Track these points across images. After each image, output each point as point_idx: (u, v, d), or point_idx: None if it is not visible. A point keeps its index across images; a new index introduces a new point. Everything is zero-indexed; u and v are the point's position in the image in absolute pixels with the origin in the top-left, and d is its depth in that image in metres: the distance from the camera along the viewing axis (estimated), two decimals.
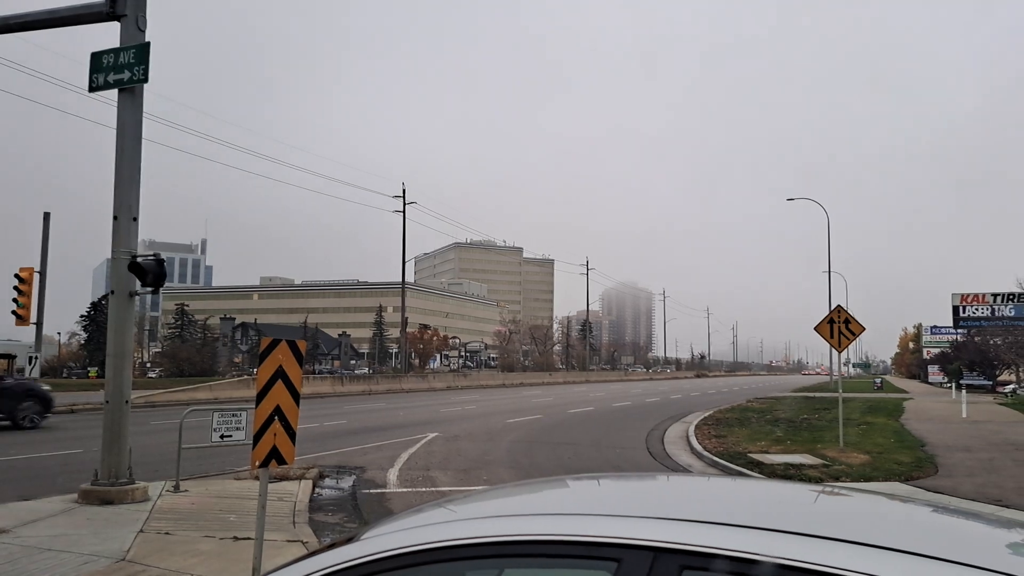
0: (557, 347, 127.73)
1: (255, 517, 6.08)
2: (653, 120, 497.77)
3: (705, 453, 15.63)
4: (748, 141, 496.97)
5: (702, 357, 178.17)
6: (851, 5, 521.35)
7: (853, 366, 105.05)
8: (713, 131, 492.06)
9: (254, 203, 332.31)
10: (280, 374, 5.76)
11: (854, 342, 17.64)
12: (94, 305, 75.95)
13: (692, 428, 20.60)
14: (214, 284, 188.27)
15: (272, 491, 8.17)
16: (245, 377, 41.04)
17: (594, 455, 15.88)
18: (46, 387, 21.34)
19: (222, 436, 9.97)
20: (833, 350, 17.27)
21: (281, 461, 5.85)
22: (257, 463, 5.77)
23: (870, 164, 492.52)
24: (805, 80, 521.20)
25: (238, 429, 10.01)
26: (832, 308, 17.55)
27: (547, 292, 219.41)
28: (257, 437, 5.75)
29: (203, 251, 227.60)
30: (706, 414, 26.15)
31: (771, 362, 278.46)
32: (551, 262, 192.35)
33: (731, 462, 14.09)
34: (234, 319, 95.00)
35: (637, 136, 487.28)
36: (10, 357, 22.24)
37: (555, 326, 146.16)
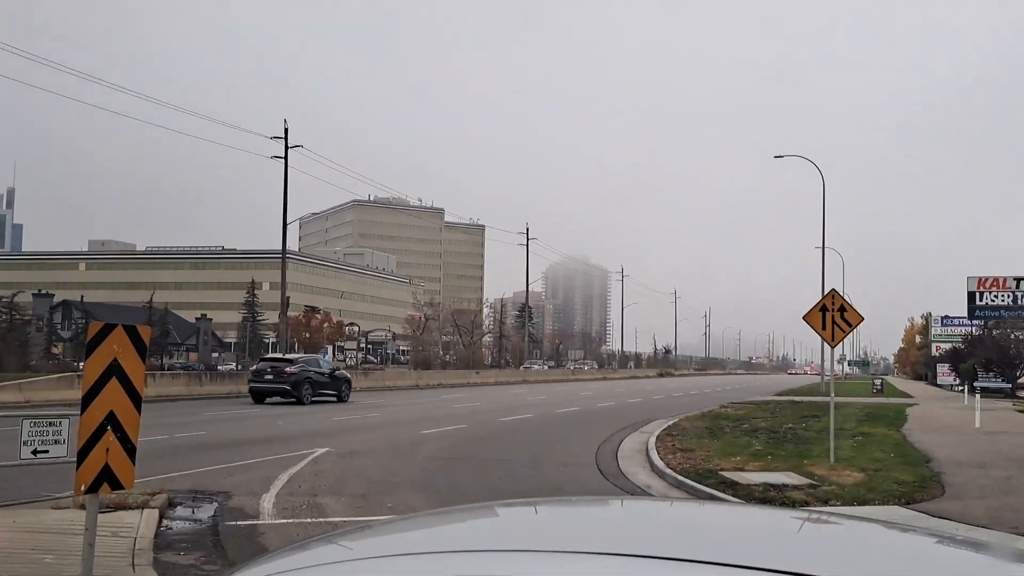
0: (488, 338, 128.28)
1: (81, 558, 5.95)
2: (611, 64, 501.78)
3: (668, 471, 16.00)
4: (725, 92, 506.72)
5: (667, 352, 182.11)
6: None
7: (849, 364, 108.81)
8: (683, 78, 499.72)
9: (82, 145, 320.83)
10: (115, 370, 5.63)
11: (851, 335, 18.31)
12: None
13: (653, 440, 21.07)
14: (25, 249, 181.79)
15: (104, 523, 7.97)
16: (68, 373, 39.86)
17: (532, 475, 16.06)
18: None
19: (35, 452, 9.65)
20: (825, 344, 17.87)
21: (116, 485, 5.73)
22: (83, 487, 5.64)
23: (875, 129, 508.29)
24: (791, 25, 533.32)
25: (57, 442, 9.70)
26: (825, 293, 18.13)
27: (476, 267, 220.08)
28: (83, 453, 5.62)
29: (9, 204, 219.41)
30: (670, 422, 26.77)
31: (751, 358, 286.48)
32: (481, 229, 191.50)
33: (699, 482, 14.48)
34: (52, 296, 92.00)
35: (591, 83, 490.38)
36: None
37: (486, 311, 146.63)
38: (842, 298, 17.63)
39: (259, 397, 36.63)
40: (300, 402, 34.90)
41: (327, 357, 62.40)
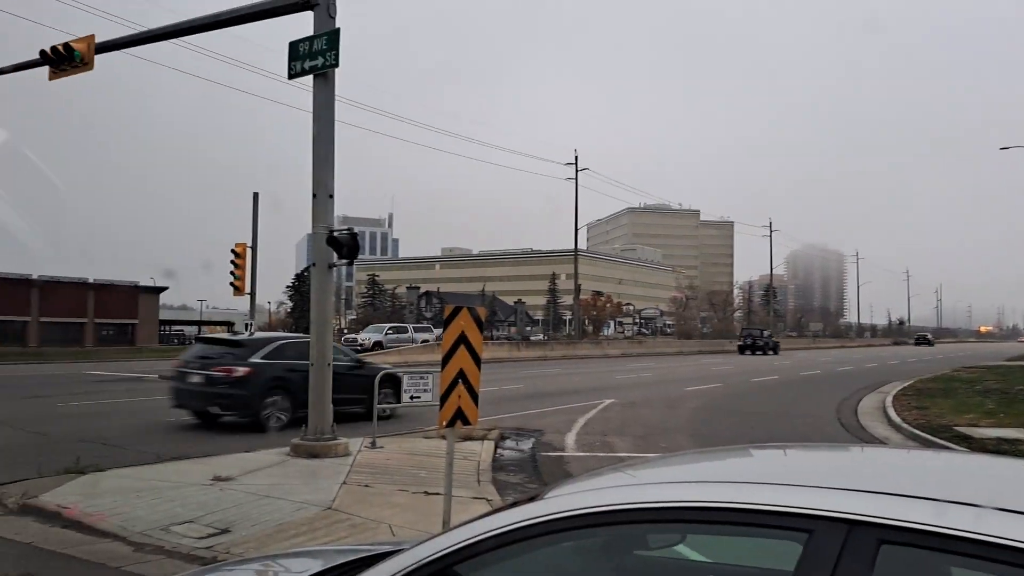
0: (738, 314, 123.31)
1: (443, 474, 6.45)
2: (831, 59, 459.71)
3: (904, 425, 14.52)
4: (944, 82, 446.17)
5: (901, 323, 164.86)
6: None
7: None
8: (901, 70, 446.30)
9: (435, 178, 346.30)
10: (462, 339, 6.02)
11: None
12: (298, 276, 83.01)
13: (889, 398, 19.19)
14: (400, 255, 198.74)
15: (457, 450, 8.59)
16: (430, 343, 43.26)
17: (779, 425, 15.25)
18: None
19: (412, 397, 10.62)
20: None
21: (465, 422, 6.14)
22: (444, 423, 6.10)
23: None
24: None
25: (426, 391, 10.63)
26: None
27: (726, 256, 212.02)
28: (443, 399, 6.07)
29: (390, 225, 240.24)
30: (905, 384, 24.22)
31: (980, 329, 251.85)
32: (730, 224, 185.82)
33: (934, 435, 13.00)
34: (419, 288, 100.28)
35: (817, 81, 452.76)
36: (229, 324, 24.88)
37: (736, 292, 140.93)
38: None
39: None
40: None
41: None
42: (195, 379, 13.50)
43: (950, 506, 1.44)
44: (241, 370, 13.14)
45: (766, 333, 63.30)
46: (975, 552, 1.33)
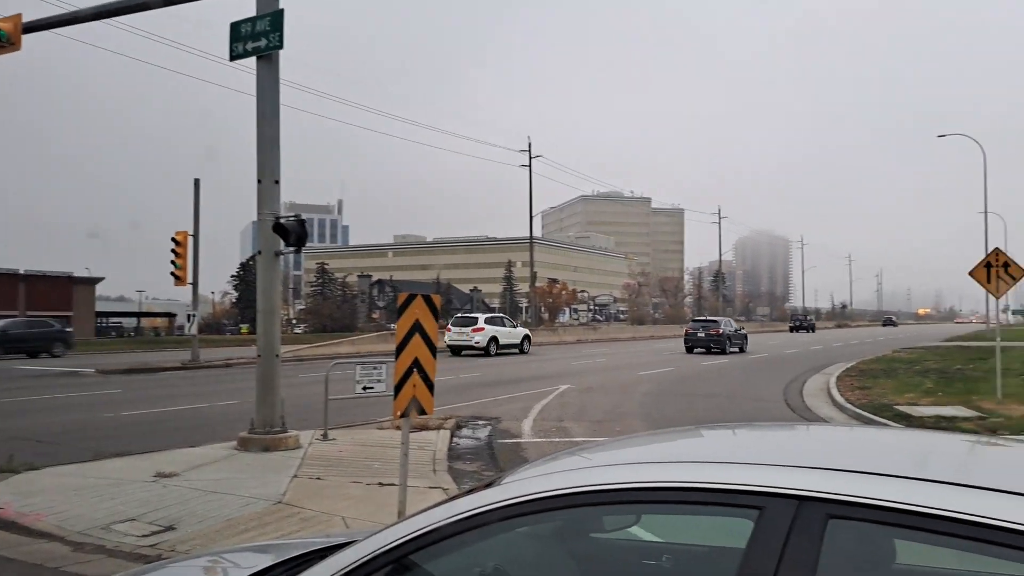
0: (688, 299, 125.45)
1: (398, 464, 6.42)
2: (781, 51, 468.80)
3: (848, 405, 14.97)
4: (886, 74, 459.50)
5: (844, 307, 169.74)
6: None
7: (1013, 313, 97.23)
8: (846, 63, 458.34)
9: (386, 164, 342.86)
10: (417, 328, 5.98)
11: (1014, 287, 16.22)
12: (243, 265, 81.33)
13: (833, 380, 19.76)
14: (351, 243, 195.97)
15: (413, 440, 8.56)
16: (384, 332, 42.94)
17: (729, 407, 15.56)
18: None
19: (364, 388, 10.51)
20: (990, 296, 15.98)
21: (421, 411, 6.12)
22: (398, 413, 6.06)
23: None
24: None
25: (379, 381, 10.52)
26: (989, 251, 16.18)
27: (677, 243, 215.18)
28: (398, 388, 6.03)
29: (340, 211, 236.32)
30: (848, 365, 24.97)
31: (919, 311, 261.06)
32: (681, 212, 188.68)
33: (876, 414, 13.44)
34: (371, 276, 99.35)
35: (766, 73, 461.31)
36: (170, 315, 24.44)
37: (686, 277, 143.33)
38: (1005, 255, 15.65)
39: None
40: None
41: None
42: (701, 334, 35.07)
43: (891, 480, 1.49)
44: (720, 330, 35.03)
45: (809, 318, 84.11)
46: (915, 524, 1.38)
